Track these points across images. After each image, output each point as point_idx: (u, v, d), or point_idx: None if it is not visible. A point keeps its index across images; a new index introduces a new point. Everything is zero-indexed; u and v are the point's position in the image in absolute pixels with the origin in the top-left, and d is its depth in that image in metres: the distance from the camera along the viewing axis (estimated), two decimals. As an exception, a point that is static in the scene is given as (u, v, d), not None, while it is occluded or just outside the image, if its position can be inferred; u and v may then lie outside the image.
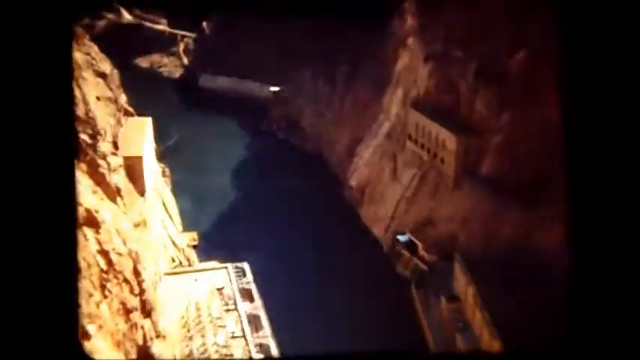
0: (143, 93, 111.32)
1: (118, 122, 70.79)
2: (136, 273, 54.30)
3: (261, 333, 62.40)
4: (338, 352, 53.93)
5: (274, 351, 60.68)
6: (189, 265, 75.54)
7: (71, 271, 13.13)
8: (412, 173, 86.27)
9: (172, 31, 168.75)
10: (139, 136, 72.37)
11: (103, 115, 64.24)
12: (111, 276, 48.61)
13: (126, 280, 51.40)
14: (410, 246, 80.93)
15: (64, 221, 12.84)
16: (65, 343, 12.73)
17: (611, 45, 12.52)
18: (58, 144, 12.69)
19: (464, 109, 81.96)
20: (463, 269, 68.27)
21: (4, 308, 12.21)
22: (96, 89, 67.25)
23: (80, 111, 55.30)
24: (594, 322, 12.60)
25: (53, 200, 12.57)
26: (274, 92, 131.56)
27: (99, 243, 48.26)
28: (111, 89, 73.98)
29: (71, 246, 13.14)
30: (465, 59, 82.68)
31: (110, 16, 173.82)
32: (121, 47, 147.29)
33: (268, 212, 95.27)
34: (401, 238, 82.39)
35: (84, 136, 54.28)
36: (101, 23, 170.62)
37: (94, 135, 56.40)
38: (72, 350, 12.98)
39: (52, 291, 12.60)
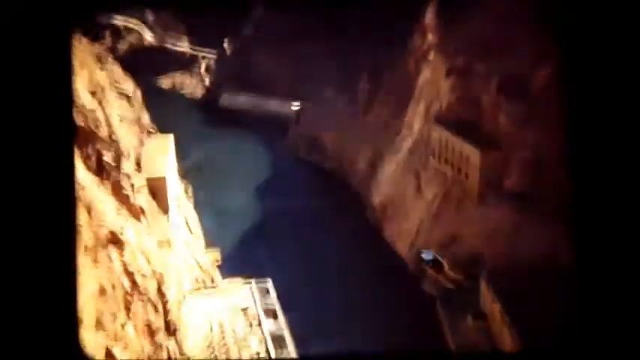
0: (165, 113, 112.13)
1: (141, 142, 71.08)
2: (161, 293, 54.08)
3: (285, 352, 61.86)
4: (342, 353, 53.32)
5: (299, 371, 60.08)
6: (213, 284, 75.24)
7: (71, 271, 13.07)
8: (436, 189, 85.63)
9: (193, 51, 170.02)
10: (162, 155, 72.45)
11: (126, 135, 64.52)
12: (135, 297, 48.44)
13: (150, 301, 51.20)
14: (435, 263, 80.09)
15: (63, 222, 12.82)
16: (65, 343, 12.68)
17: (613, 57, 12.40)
18: (58, 145, 12.65)
19: (487, 124, 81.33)
20: (489, 286, 67.35)
21: (4, 309, 12.17)
22: (119, 110, 67.65)
23: (104, 132, 55.51)
24: (597, 324, 12.51)
25: (52, 199, 12.55)
26: (295, 110, 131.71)
27: (123, 264, 48.15)
28: (134, 110, 74.46)
29: (71, 247, 13.10)
30: (487, 73, 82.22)
31: (132, 38, 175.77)
32: (144, 68, 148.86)
33: (291, 230, 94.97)
34: (426, 255, 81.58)
35: (107, 158, 54.41)
36: (124, 45, 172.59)
37: (118, 156, 56.53)
38: (72, 350, 12.90)
39: (52, 292, 12.56)
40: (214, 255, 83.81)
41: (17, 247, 12.26)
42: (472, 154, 79.56)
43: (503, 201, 75.37)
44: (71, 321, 13.09)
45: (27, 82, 12.37)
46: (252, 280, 70.42)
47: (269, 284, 70.54)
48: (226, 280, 75.34)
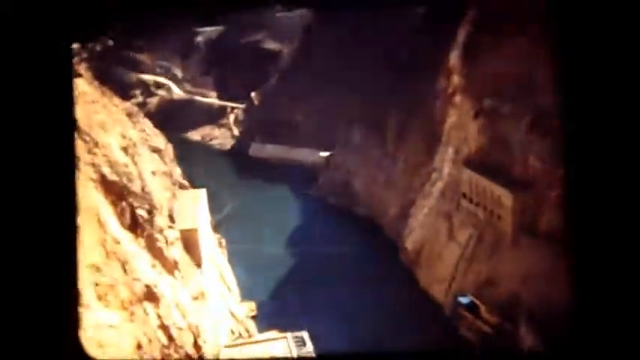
0: (196, 165, 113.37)
1: (173, 195, 71.88)
2: (197, 347, 54.00)
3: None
4: (347, 353, 52.22)
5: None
6: (249, 336, 74.88)
7: (71, 272, 13.15)
8: (469, 232, 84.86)
9: (222, 103, 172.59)
10: (194, 208, 73.13)
11: (158, 189, 65.36)
12: (172, 351, 48.39)
13: (187, 355, 51.07)
14: (472, 308, 78.88)
15: (65, 227, 13.01)
16: (65, 343, 12.72)
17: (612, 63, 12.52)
18: (59, 161, 12.84)
19: (517, 165, 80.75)
20: (528, 329, 66.09)
21: (4, 310, 12.24)
22: (151, 164, 68.71)
23: (136, 186, 56.30)
24: (597, 325, 12.57)
25: (51, 202, 12.71)
26: (324, 157, 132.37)
27: (159, 318, 48.29)
28: (165, 163, 75.54)
29: (72, 248, 13.20)
30: (515, 113, 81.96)
31: (161, 92, 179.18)
32: (174, 122, 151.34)
33: (324, 279, 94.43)
34: (462, 300, 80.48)
35: (141, 212, 55.05)
36: (153, 100, 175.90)
37: (151, 210, 57.21)
38: (72, 350, 12.93)
39: (53, 293, 12.63)
40: (249, 306, 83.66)
41: (18, 247, 12.42)
42: (504, 196, 78.93)
43: (538, 242, 74.34)
44: (72, 321, 13.18)
45: (28, 95, 12.62)
46: (288, 333, 69.96)
47: (305, 335, 70.01)
48: (262, 333, 74.94)
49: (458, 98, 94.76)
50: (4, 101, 12.56)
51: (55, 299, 12.70)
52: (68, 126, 13.47)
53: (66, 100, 13.20)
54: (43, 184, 12.74)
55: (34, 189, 12.70)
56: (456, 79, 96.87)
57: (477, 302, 78.59)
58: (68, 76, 13.72)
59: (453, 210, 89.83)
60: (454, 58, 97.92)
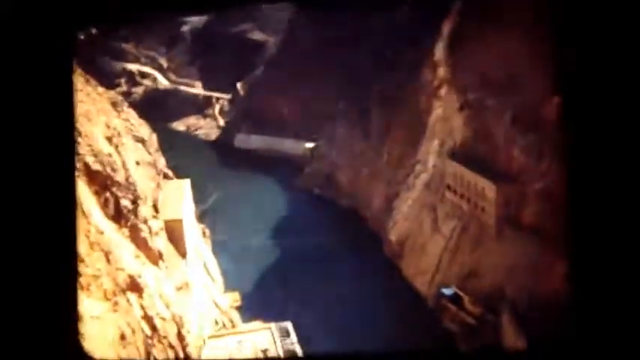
0: (181, 155, 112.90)
1: (158, 186, 71.58)
2: (181, 337, 53.96)
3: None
4: (342, 353, 52.45)
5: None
6: (233, 326, 74.92)
7: (71, 273, 13.12)
8: (453, 224, 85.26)
9: (207, 93, 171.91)
10: (179, 198, 72.92)
11: (143, 179, 65.06)
12: (156, 341, 48.33)
13: (171, 345, 51.05)
14: (455, 299, 79.35)
15: (64, 227, 13.02)
16: (65, 343, 12.70)
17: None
18: (58, 158, 12.83)
19: (502, 157, 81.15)
20: (511, 321, 66.59)
21: (5, 310, 12.25)
22: (135, 154, 68.33)
23: (121, 176, 56.03)
24: (596, 323, 12.63)
25: (51, 199, 12.71)
26: (309, 149, 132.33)
27: (142, 308, 48.20)
28: (150, 153, 75.13)
29: (72, 249, 13.21)
30: (500, 107, 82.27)
31: (147, 82, 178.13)
32: (159, 112, 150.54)
33: (308, 270, 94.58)
34: (446, 291, 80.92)
35: (125, 202, 54.82)
36: (139, 90, 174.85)
37: (135, 200, 56.98)
38: (72, 350, 12.91)
39: (52, 293, 12.64)
40: (234, 296, 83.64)
41: (19, 247, 12.41)
42: (488, 188, 79.35)
43: (521, 234, 74.85)
44: (71, 321, 13.15)
45: (28, 95, 12.58)
46: (272, 323, 70.07)
47: (289, 325, 70.12)
48: (246, 324, 75.02)
49: (443, 91, 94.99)
50: (6, 97, 12.49)
51: (54, 300, 12.68)
52: (68, 123, 13.43)
53: (65, 98, 13.16)
54: (43, 182, 12.70)
55: (34, 186, 12.66)
56: (441, 72, 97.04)
57: (461, 294, 79.07)
58: (68, 71, 13.67)
59: (438, 202, 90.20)
60: (439, 50, 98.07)
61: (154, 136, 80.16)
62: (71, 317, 13.25)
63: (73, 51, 13.90)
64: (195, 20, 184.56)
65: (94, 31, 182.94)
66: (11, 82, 12.55)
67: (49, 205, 12.76)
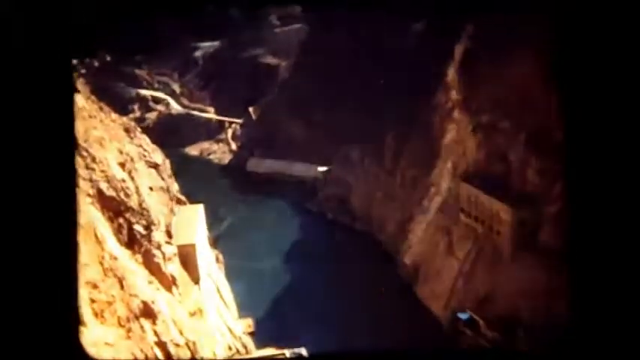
0: (194, 180, 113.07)
1: (171, 211, 71.55)
2: (194, 363, 53.46)
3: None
4: (339, 352, 51.72)
5: None
6: (247, 352, 74.32)
7: (71, 272, 13.04)
8: (468, 247, 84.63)
9: (220, 118, 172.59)
10: (192, 223, 72.76)
11: (156, 204, 65.03)
12: (169, 368, 47.95)
13: (184, 372, 50.61)
14: (471, 324, 78.50)
15: (63, 228, 13.01)
16: (65, 343, 12.70)
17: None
18: (59, 173, 12.82)
19: (516, 180, 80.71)
20: (527, 345, 65.74)
21: (5, 310, 12.26)
22: (149, 180, 68.41)
23: (134, 202, 56.01)
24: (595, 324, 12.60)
25: (49, 204, 12.71)
26: (322, 172, 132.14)
27: (156, 334, 47.88)
28: (163, 179, 75.20)
29: (72, 249, 13.13)
30: (513, 129, 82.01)
31: (160, 107, 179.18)
32: (172, 137, 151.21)
33: (322, 295, 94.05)
34: (462, 315, 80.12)
35: (138, 227, 54.74)
36: (152, 115, 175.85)
37: (148, 225, 56.89)
38: (72, 350, 12.89)
39: (52, 293, 12.66)
40: (247, 322, 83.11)
41: (19, 248, 12.40)
42: (503, 211, 78.79)
43: (537, 257, 74.11)
44: (72, 321, 13.04)
45: (29, 115, 12.59)
46: (286, 350, 69.41)
47: (303, 351, 69.47)
48: (260, 350, 74.37)
49: (456, 113, 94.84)
50: (7, 115, 12.50)
51: (55, 301, 12.67)
52: (68, 142, 13.42)
53: (66, 116, 13.15)
54: (44, 196, 12.69)
55: (35, 200, 12.65)
56: (454, 95, 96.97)
57: (477, 318, 78.22)
58: (69, 91, 13.67)
59: (452, 225, 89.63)
60: (452, 73, 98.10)
61: (167, 162, 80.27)
62: (71, 318, 13.21)
63: (71, 70, 13.90)
64: (208, 45, 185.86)
65: (108, 58, 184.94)
66: (10, 99, 12.57)
67: (49, 205, 12.77)
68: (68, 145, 13.52)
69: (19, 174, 12.62)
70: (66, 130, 13.18)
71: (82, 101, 58.45)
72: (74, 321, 13.39)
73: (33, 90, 12.66)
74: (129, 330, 41.53)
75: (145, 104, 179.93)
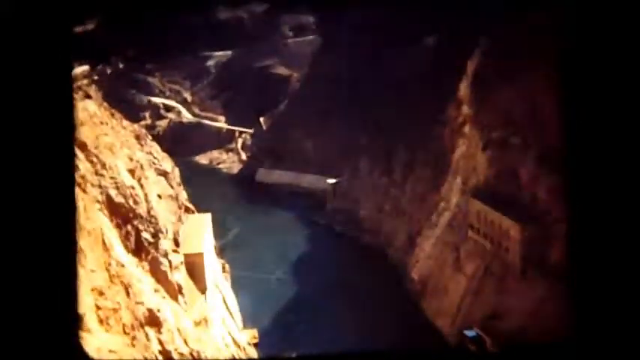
0: (203, 189, 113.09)
1: (179, 219, 71.47)
2: (198, 373, 53.19)
3: None
4: (336, 353, 51.27)
5: None
6: (250, 363, 73.94)
7: (71, 272, 12.96)
8: (476, 264, 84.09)
9: (230, 127, 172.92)
10: (200, 232, 72.66)
11: (164, 212, 64.97)
12: (172, 377, 47.68)
13: (187, 382, 50.34)
14: (478, 342, 77.84)
15: (63, 228, 12.95)
16: (65, 343, 12.65)
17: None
18: (57, 165, 12.75)
19: (526, 197, 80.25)
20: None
21: (6, 310, 12.22)
22: (157, 187, 68.41)
23: (142, 209, 55.94)
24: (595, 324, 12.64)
25: (50, 202, 12.64)
26: (332, 184, 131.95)
27: (161, 343, 47.63)
28: (172, 187, 75.22)
29: (72, 248, 13.02)
30: (524, 145, 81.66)
31: (171, 115, 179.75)
32: (182, 145, 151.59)
33: (329, 307, 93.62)
34: (469, 333, 79.46)
35: (146, 235, 54.63)
36: (162, 123, 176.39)
37: (156, 233, 56.78)
38: (72, 350, 12.85)
39: (52, 293, 12.60)
40: (252, 333, 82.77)
41: (19, 249, 12.34)
42: (512, 228, 78.30)
43: (546, 275, 73.52)
44: (72, 322, 12.99)
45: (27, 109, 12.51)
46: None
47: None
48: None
49: (467, 129, 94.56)
50: (6, 118, 12.43)
51: (54, 302, 12.60)
52: (68, 145, 13.35)
53: (66, 120, 13.07)
54: (43, 193, 12.62)
55: (33, 195, 12.58)
56: (465, 110, 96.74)
57: (484, 336, 77.58)
58: (68, 96, 13.59)
59: (460, 241, 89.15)
60: (464, 88, 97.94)
61: (177, 170, 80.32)
62: (71, 319, 13.14)
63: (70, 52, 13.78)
64: (220, 54, 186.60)
65: (120, 65, 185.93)
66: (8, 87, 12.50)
67: (48, 206, 12.71)
68: (68, 149, 13.43)
69: (18, 178, 12.55)
70: (66, 134, 13.09)
71: (94, 107, 58.56)
72: (75, 325, 13.32)
73: (32, 94, 12.58)
74: (133, 338, 41.31)
75: (157, 112, 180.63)
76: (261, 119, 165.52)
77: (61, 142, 12.94)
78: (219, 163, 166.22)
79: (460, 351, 62.54)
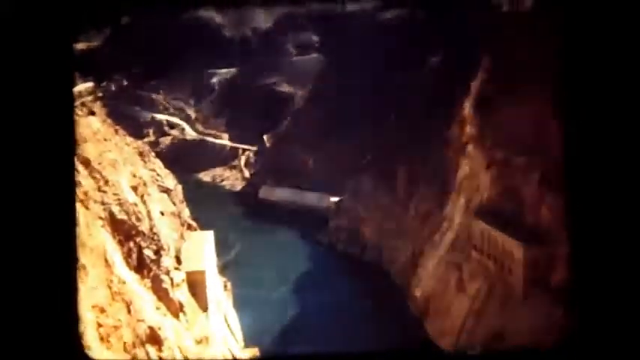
0: (206, 206, 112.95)
1: (181, 237, 71.21)
2: (198, 392, 52.76)
3: None
4: (335, 353, 50.80)
5: None
6: (251, 382, 73.44)
7: (71, 272, 12.81)
8: (479, 284, 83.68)
9: (234, 145, 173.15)
10: (202, 250, 72.36)
11: (166, 229, 64.75)
12: (172, 396, 47.28)
13: (188, 401, 49.92)
14: (480, 361, 77.33)
15: (64, 228, 12.91)
16: (65, 344, 12.63)
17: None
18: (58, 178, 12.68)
19: (529, 217, 79.99)
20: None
21: (6, 311, 12.20)
22: (160, 204, 68.21)
23: (145, 226, 55.75)
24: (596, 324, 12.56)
25: (50, 191, 12.55)
26: (334, 203, 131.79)
27: (161, 362, 47.29)
28: (174, 204, 75.02)
29: (71, 248, 12.92)
30: (528, 166, 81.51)
31: (174, 132, 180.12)
32: (185, 162, 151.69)
33: (330, 326, 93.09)
34: (471, 352, 78.93)
35: (148, 252, 54.38)
36: (166, 140, 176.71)
37: (158, 250, 56.53)
38: (72, 350, 12.82)
39: (52, 293, 12.58)
40: (252, 352, 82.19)
41: (21, 265, 12.26)
42: (515, 248, 77.97)
43: (550, 296, 73.09)
44: (73, 339, 12.84)
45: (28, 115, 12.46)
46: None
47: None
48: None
49: (471, 148, 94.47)
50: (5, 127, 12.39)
51: (56, 318, 12.52)
52: (68, 161, 13.29)
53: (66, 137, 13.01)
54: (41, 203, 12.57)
55: (34, 179, 12.54)
56: (469, 129, 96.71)
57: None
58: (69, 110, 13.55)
59: (463, 261, 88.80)
60: (468, 107, 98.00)
61: (180, 187, 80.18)
62: (72, 336, 13.03)
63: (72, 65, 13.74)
64: (224, 72, 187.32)
65: (125, 82, 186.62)
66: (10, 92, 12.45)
67: (51, 223, 12.63)
68: (69, 165, 13.39)
69: (21, 194, 12.49)
70: (67, 151, 13.04)
71: (98, 124, 58.58)
72: (76, 342, 13.23)
73: (34, 111, 12.54)
74: (134, 356, 41.01)
75: (160, 129, 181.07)
76: (265, 137, 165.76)
77: (62, 159, 12.89)
78: (222, 181, 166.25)
79: (460, 352, 62.04)
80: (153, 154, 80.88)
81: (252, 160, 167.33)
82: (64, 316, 12.68)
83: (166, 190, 74.47)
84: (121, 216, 50.69)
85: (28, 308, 12.40)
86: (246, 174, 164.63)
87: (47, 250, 12.66)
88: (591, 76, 12.74)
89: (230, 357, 71.85)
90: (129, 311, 43.48)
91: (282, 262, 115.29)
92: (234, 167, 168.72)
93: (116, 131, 66.70)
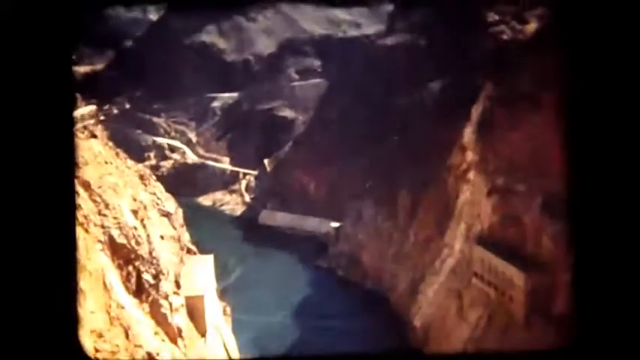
0: (206, 230, 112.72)
1: (181, 261, 70.89)
2: (195, 419, 52.20)
3: None
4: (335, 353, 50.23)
5: None
6: (249, 409, 72.67)
7: (71, 272, 12.75)
8: (479, 312, 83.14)
9: (234, 169, 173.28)
10: (201, 274, 72.03)
11: (166, 254, 64.47)
12: (170, 423, 46.77)
13: None
14: (481, 390, 76.57)
15: (64, 228, 12.76)
16: (65, 343, 12.52)
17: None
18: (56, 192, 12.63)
19: (530, 245, 79.68)
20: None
21: (6, 311, 12.12)
22: (160, 228, 67.99)
23: (144, 250, 55.50)
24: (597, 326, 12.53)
25: (50, 205, 12.46)
26: (335, 228, 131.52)
27: (159, 388, 46.81)
28: (175, 228, 74.79)
29: (71, 247, 12.77)
30: (529, 193, 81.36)
31: (175, 156, 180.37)
32: (186, 186, 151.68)
33: (330, 352, 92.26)
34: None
35: (147, 276, 54.07)
36: (167, 164, 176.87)
37: (157, 275, 56.22)
38: (72, 351, 12.68)
39: (52, 293, 12.48)
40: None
41: (19, 289, 12.18)
42: (516, 276, 77.58)
43: (551, 325, 72.56)
44: (71, 323, 12.83)
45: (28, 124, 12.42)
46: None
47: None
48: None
49: (471, 175, 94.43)
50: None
51: (55, 344, 12.42)
52: (68, 187, 13.26)
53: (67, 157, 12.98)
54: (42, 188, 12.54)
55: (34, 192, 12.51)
56: (470, 156, 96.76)
57: (486, 385, 76.31)
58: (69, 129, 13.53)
59: (464, 288, 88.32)
60: (468, 134, 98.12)
61: (180, 211, 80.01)
62: (71, 319, 12.93)
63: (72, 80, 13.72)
64: (226, 96, 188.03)
65: (127, 105, 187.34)
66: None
67: (50, 246, 12.59)
68: (69, 188, 13.37)
69: (20, 217, 12.45)
70: (67, 173, 13.02)
71: (99, 147, 58.59)
72: (73, 321, 13.20)
73: (33, 132, 12.51)
74: (131, 381, 40.58)
75: (161, 152, 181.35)
76: (266, 161, 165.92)
77: (63, 181, 12.85)
78: (222, 205, 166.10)
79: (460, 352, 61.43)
80: (154, 177, 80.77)
81: (252, 184, 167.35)
82: (63, 346, 12.57)
83: (167, 214, 74.29)
84: (121, 240, 50.48)
85: (26, 333, 12.29)
86: (247, 198, 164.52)
87: (47, 274, 12.57)
88: (594, 102, 12.74)
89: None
90: (127, 336, 43.12)
91: (282, 286, 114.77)
92: (234, 191, 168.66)
93: (117, 154, 66.69)
